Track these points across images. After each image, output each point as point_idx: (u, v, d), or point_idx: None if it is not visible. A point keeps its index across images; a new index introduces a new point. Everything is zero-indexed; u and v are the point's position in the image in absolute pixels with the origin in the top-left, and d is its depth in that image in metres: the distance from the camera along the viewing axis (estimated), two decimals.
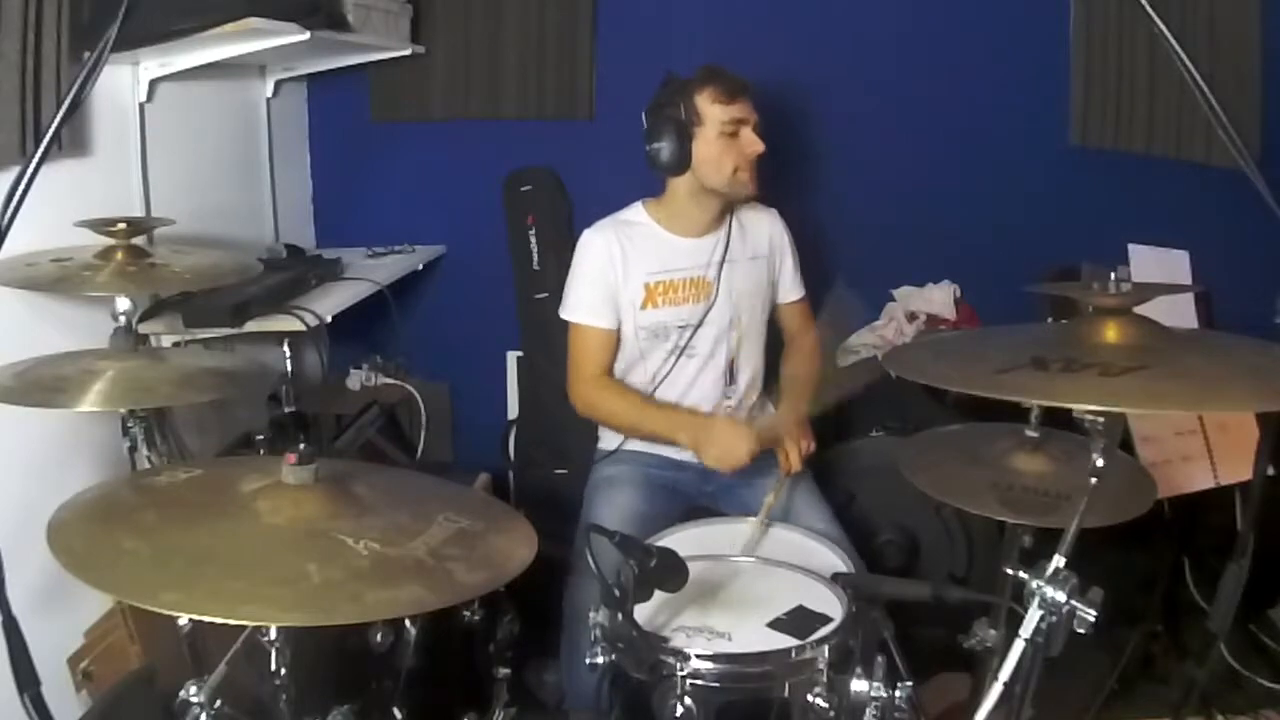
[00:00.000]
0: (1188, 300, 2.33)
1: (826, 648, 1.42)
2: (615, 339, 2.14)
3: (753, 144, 2.06)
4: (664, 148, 2.04)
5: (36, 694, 1.24)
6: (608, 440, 2.26)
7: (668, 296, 2.12)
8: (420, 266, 2.88)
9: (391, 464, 2.62)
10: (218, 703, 1.27)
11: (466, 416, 3.13)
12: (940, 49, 2.83)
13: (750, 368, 2.22)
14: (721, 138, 2.04)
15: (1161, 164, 2.79)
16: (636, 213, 2.18)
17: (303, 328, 2.15)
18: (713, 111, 2.04)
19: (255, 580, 1.07)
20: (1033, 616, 1.26)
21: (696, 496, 2.20)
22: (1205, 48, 2.66)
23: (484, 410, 3.07)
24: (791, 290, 2.31)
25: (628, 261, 2.10)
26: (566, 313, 2.15)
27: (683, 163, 2.05)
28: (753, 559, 1.72)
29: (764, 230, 2.25)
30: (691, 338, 2.13)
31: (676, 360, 2.14)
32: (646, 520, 2.00)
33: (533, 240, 2.87)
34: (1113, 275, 1.38)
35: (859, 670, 1.42)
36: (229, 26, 1.96)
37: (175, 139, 2.27)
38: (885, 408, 2.44)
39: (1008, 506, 1.53)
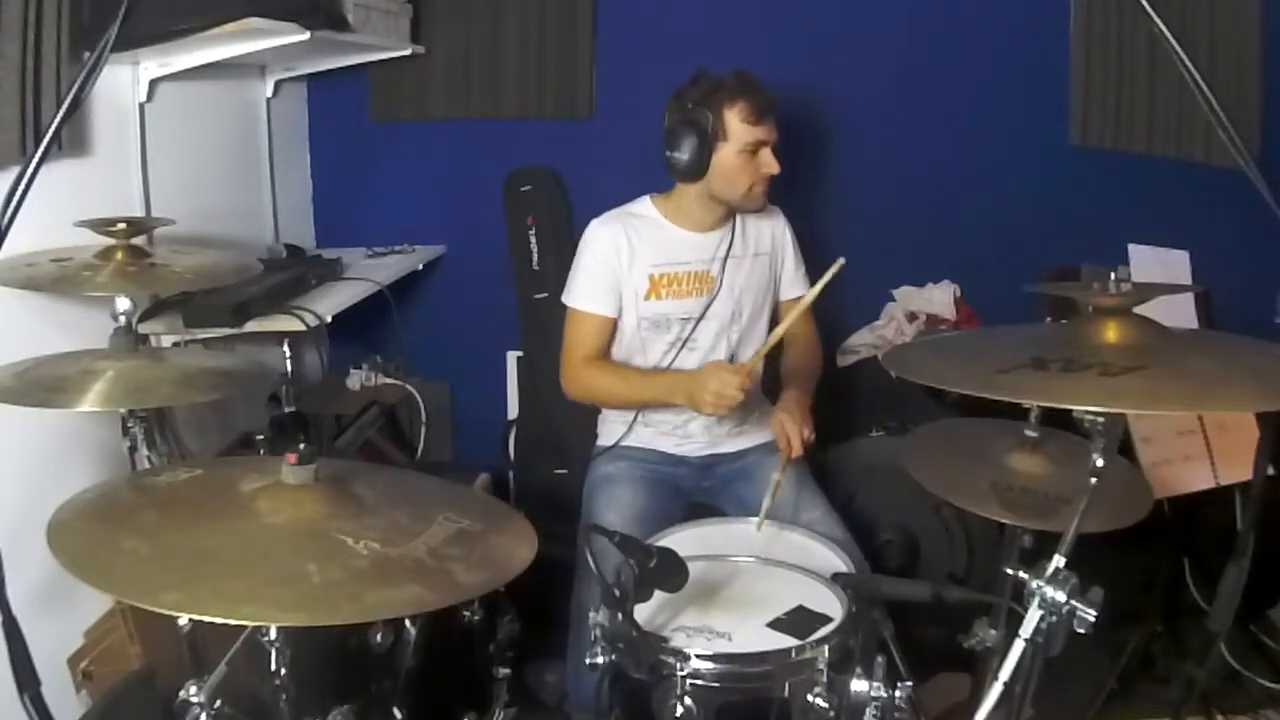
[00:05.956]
0: (1188, 300, 2.34)
1: (826, 648, 1.42)
2: (612, 327, 2.14)
3: (769, 165, 2.06)
4: (684, 156, 2.03)
5: (36, 694, 1.24)
6: (606, 436, 2.26)
7: (671, 289, 2.13)
8: (420, 266, 2.87)
9: (391, 464, 2.62)
10: (218, 703, 1.27)
11: (466, 416, 3.13)
12: (940, 49, 2.83)
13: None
14: (742, 155, 2.04)
15: (1161, 164, 2.78)
16: (644, 206, 2.19)
17: (303, 328, 2.15)
18: (739, 129, 2.02)
19: (255, 580, 1.07)
20: (1033, 616, 1.26)
21: (695, 492, 2.22)
22: (1205, 48, 2.65)
23: (484, 410, 3.06)
24: (793, 287, 2.31)
25: (633, 252, 2.11)
26: (568, 298, 2.15)
27: (700, 171, 2.05)
28: (753, 559, 1.72)
29: (767, 228, 2.26)
30: (693, 331, 2.14)
31: (678, 353, 2.15)
32: (647, 517, 2.01)
33: (533, 240, 2.87)
34: (1113, 275, 1.38)
35: (859, 670, 1.42)
36: (229, 26, 1.96)
37: (175, 139, 2.27)
38: (885, 408, 2.44)
39: (1008, 508, 1.53)
